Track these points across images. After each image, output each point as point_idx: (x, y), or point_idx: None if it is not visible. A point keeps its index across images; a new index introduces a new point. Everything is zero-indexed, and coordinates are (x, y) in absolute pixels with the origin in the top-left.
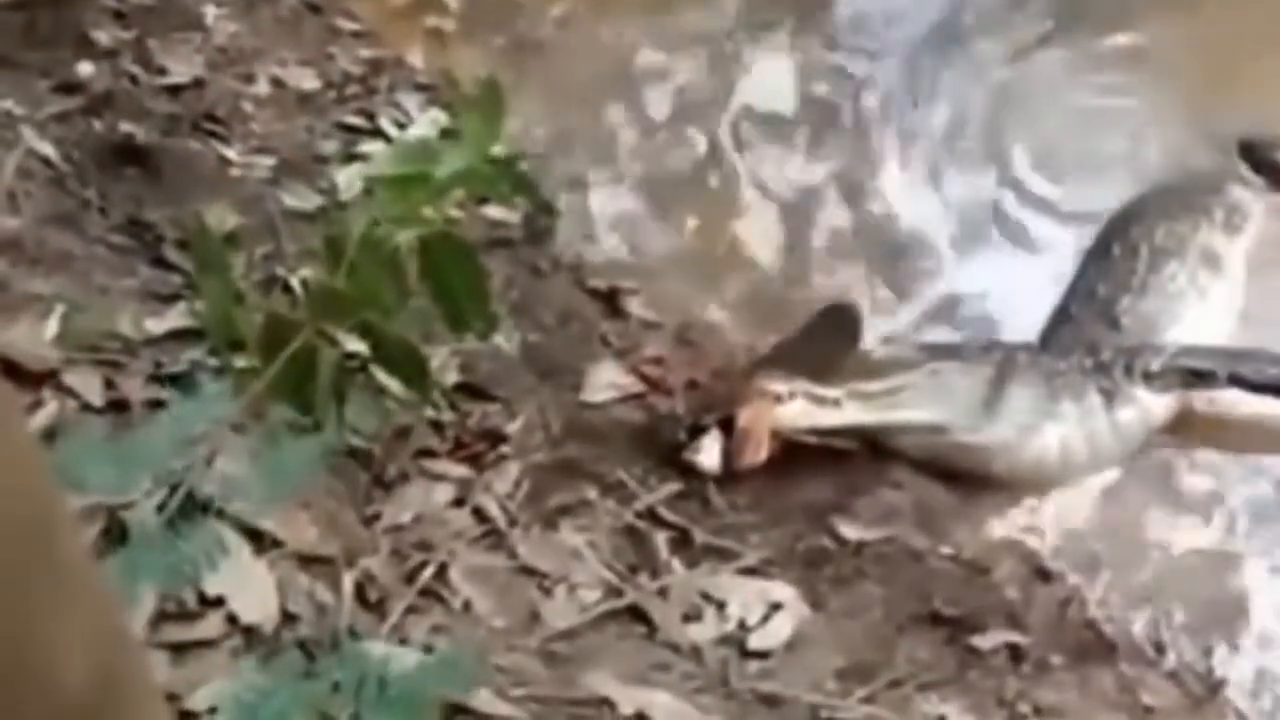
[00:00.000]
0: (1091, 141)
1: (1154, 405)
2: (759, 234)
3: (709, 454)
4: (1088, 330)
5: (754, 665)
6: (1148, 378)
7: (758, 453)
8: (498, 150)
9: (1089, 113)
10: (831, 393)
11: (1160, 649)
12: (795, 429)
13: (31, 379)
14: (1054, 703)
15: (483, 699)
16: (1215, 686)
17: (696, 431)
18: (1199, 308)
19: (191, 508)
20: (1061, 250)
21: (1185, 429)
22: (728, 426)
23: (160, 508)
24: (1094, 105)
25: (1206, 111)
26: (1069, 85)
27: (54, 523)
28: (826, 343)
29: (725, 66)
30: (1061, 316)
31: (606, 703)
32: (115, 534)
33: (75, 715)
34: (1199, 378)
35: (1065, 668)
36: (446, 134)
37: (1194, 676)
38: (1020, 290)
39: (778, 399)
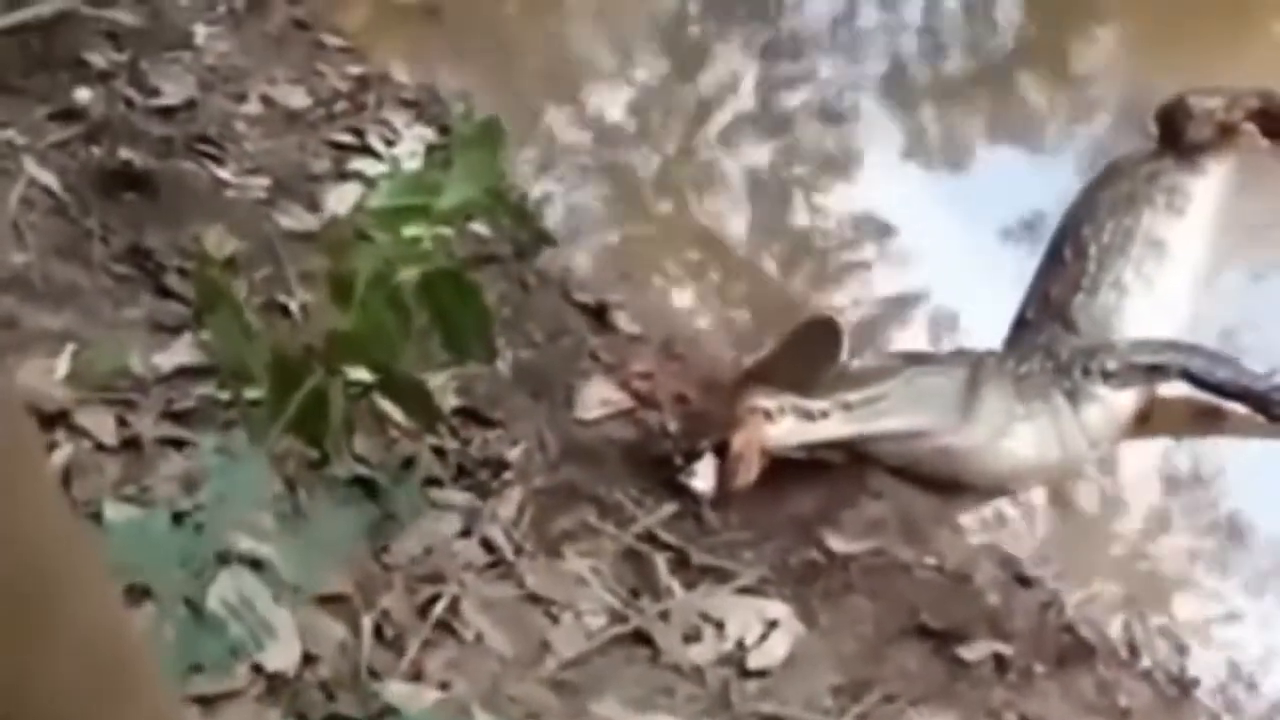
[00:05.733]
0: None
1: (1118, 401)
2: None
3: (704, 478)
4: (1045, 333)
5: (753, 685)
6: (1106, 376)
7: (750, 473)
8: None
9: None
10: (818, 405)
11: (1134, 651)
12: (785, 446)
13: (44, 420)
14: (1038, 710)
15: None
16: (1188, 686)
17: (692, 457)
18: (1148, 298)
19: (217, 559)
20: None
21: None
22: (721, 449)
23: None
24: None
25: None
26: None
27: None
28: (809, 355)
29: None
30: (1020, 321)
31: None
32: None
33: None
34: (1155, 372)
35: (1047, 675)
36: (434, 150)
37: (1167, 677)
38: None
39: (767, 415)
